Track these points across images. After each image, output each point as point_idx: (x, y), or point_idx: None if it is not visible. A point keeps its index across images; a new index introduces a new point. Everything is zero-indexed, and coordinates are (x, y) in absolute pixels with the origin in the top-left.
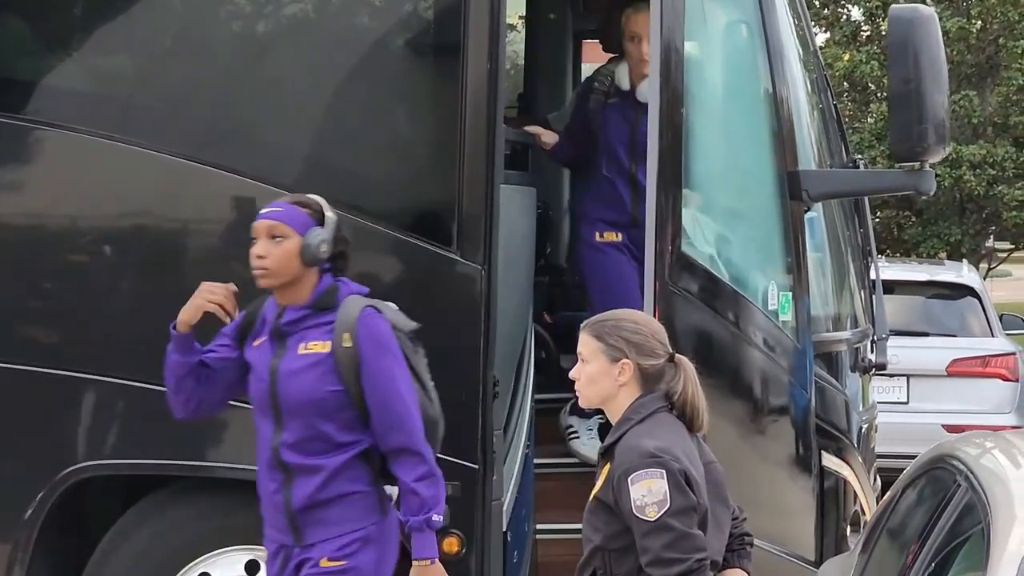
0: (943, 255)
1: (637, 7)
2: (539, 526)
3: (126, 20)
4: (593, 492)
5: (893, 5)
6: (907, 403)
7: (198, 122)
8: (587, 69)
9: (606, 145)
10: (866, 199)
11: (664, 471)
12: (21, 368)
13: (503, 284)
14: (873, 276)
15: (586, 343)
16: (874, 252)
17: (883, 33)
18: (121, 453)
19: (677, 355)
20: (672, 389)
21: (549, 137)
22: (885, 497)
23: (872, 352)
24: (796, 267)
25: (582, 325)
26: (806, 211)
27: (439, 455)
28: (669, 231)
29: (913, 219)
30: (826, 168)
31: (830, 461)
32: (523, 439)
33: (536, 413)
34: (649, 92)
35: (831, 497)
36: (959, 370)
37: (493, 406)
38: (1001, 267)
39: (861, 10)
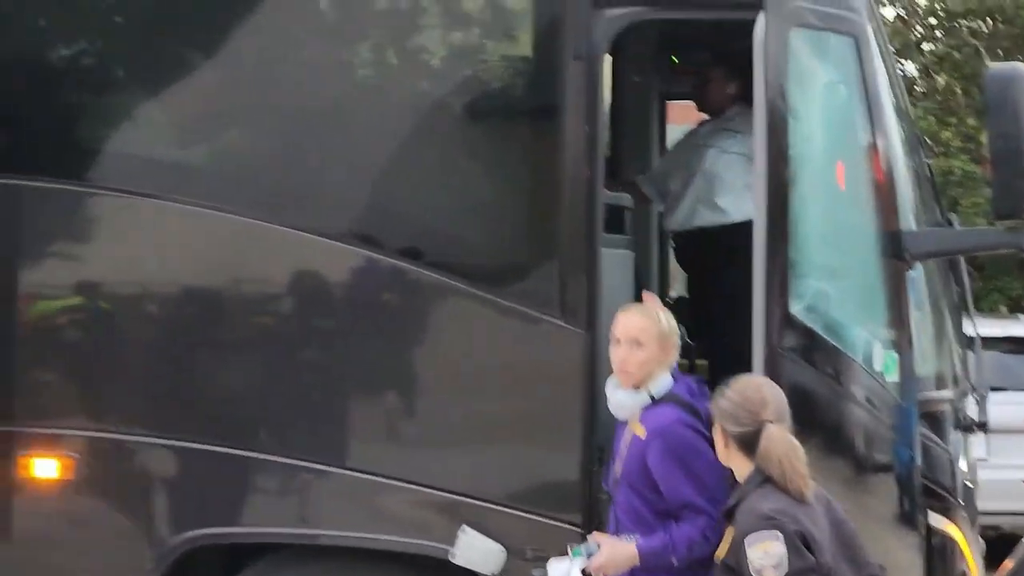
0: (1004, 309)
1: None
2: None
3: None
4: (718, 555)
5: (991, 64)
6: (987, 459)
7: (316, 192)
8: (672, 130)
9: None
10: (961, 257)
11: (780, 533)
12: (135, 439)
13: (604, 348)
14: (972, 333)
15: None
16: (971, 310)
17: (938, 88)
18: (232, 520)
19: (768, 425)
20: (761, 460)
21: None
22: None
23: (973, 410)
24: (900, 326)
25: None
26: (908, 271)
27: (543, 517)
28: (777, 292)
29: (974, 274)
30: (923, 227)
31: (936, 520)
32: None
33: None
34: (755, 153)
35: (938, 556)
36: None
37: (598, 472)
38: None
39: (916, 65)
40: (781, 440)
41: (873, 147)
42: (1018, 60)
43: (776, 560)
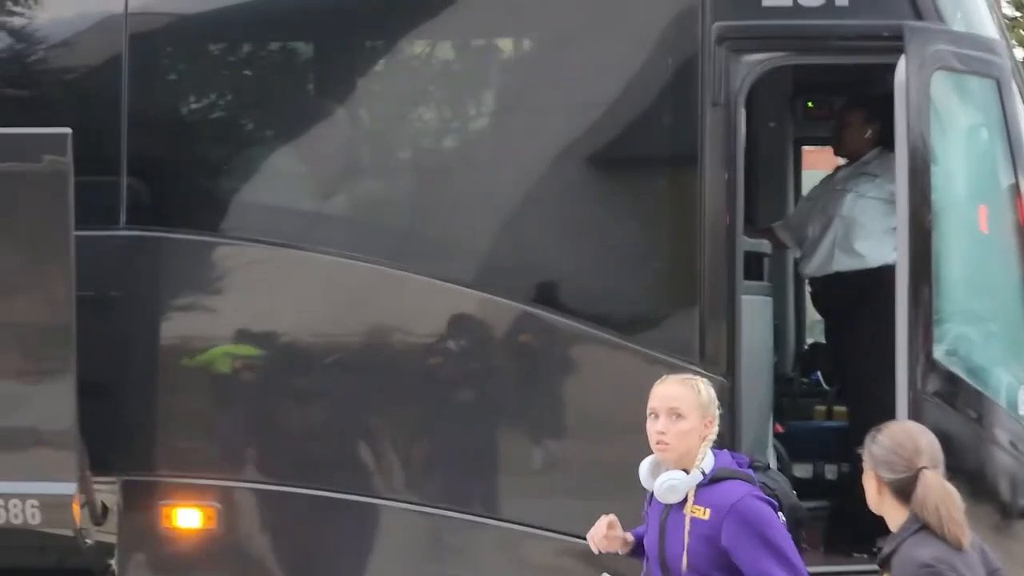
0: None
1: None
2: None
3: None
4: None
5: None
6: None
7: (467, 247)
8: (808, 176)
9: None
10: None
11: None
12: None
13: (746, 395)
14: None
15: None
16: None
17: None
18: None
19: (924, 471)
20: (917, 507)
21: None
22: None
23: None
24: None
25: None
26: None
27: None
28: (921, 337)
29: None
30: None
31: None
32: None
33: None
34: (898, 197)
35: None
36: None
37: None
38: None
39: None
40: (938, 487)
41: (1016, 190)
42: None
43: None
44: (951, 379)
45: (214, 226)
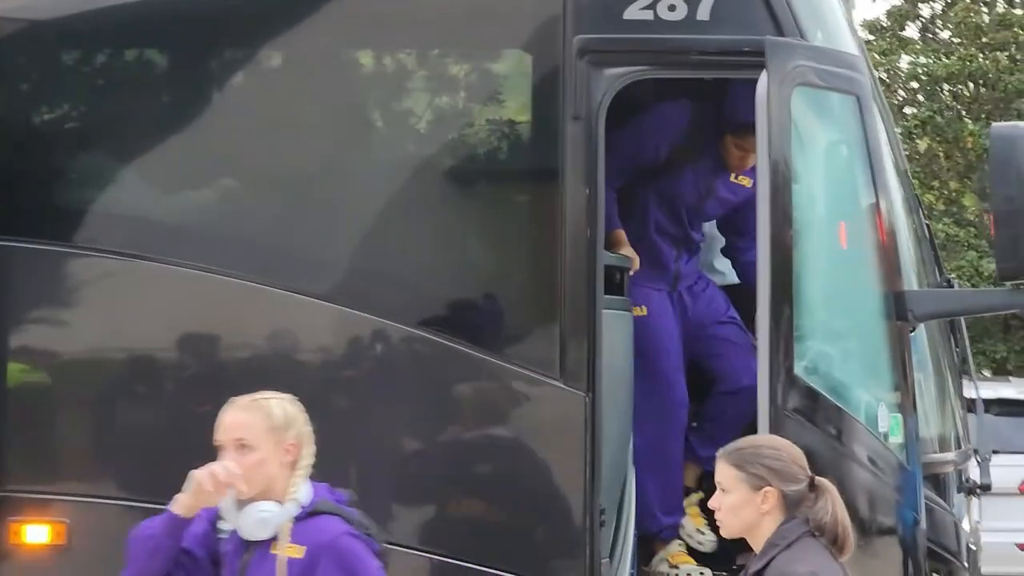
0: (988, 373)
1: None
2: None
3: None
4: None
5: (994, 124)
6: (979, 522)
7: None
8: None
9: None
10: (962, 318)
11: None
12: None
13: (606, 410)
14: (973, 395)
15: (725, 472)
16: (972, 371)
17: (920, 152)
18: None
19: (818, 478)
20: (818, 513)
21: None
22: None
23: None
24: (904, 388)
25: (718, 454)
26: (911, 331)
27: None
28: (781, 355)
29: None
30: (925, 287)
31: None
32: (628, 567)
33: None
34: (758, 215)
35: None
36: None
37: (600, 534)
38: None
39: (898, 129)
40: (836, 491)
41: (875, 207)
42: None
43: None
44: (811, 395)
45: (68, 237)
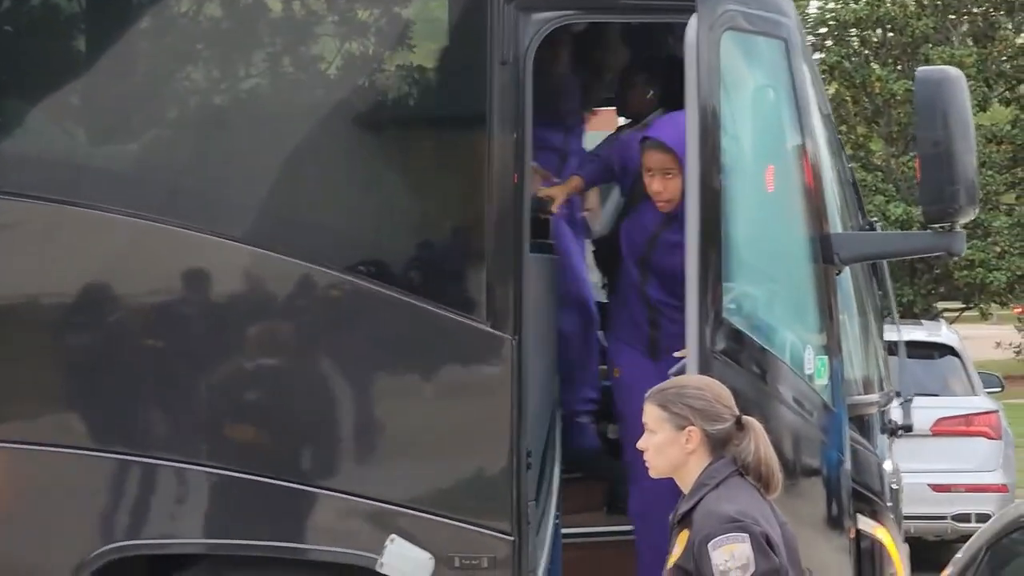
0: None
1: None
2: None
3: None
4: (671, 560)
5: (920, 67)
6: None
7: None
8: (593, 136)
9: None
10: (884, 261)
11: (747, 535)
12: (53, 449)
13: (532, 353)
14: (895, 338)
15: (650, 413)
16: (895, 314)
17: (828, 97)
18: (151, 532)
19: (745, 417)
20: (743, 452)
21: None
22: (963, 558)
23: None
24: (830, 331)
25: (646, 395)
26: (837, 274)
27: (472, 525)
28: (710, 297)
29: None
30: (849, 230)
31: (866, 523)
32: (553, 509)
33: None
34: (687, 157)
35: (867, 560)
36: (943, 429)
37: (526, 477)
38: None
39: None
40: (762, 430)
41: (802, 151)
42: (908, 69)
43: (743, 561)
44: (739, 337)
45: None
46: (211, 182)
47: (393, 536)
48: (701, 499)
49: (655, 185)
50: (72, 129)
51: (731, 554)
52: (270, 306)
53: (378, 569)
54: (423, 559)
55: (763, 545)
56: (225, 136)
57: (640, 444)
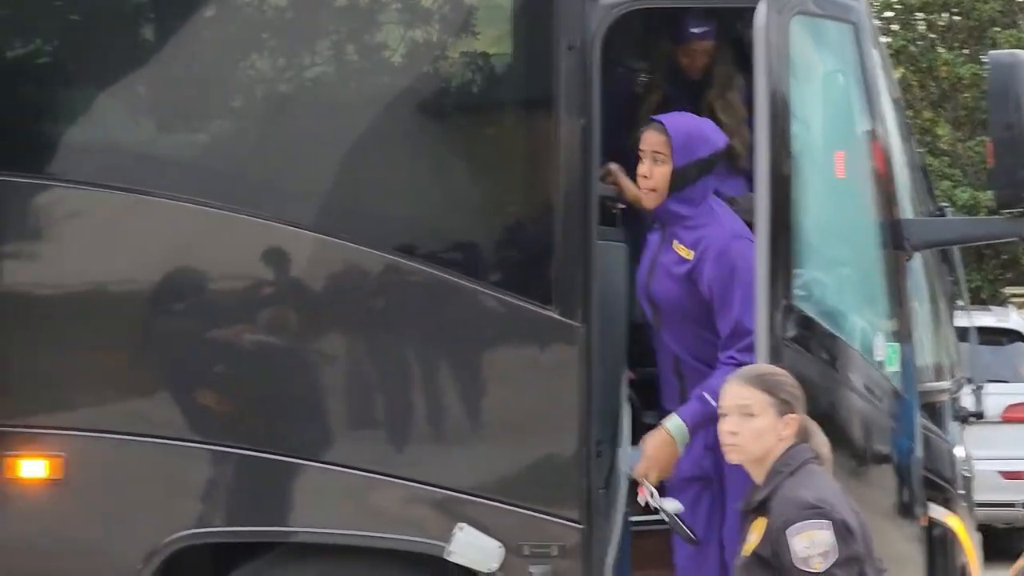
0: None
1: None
2: None
3: None
4: (748, 548)
5: (991, 51)
6: None
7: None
8: None
9: None
10: (955, 248)
11: (828, 521)
12: (126, 437)
13: (600, 341)
14: (966, 324)
15: (754, 396)
16: (966, 300)
17: None
18: (219, 520)
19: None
20: (816, 443)
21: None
22: None
23: (969, 401)
24: (901, 317)
25: (736, 377)
26: (908, 260)
27: (541, 513)
28: (780, 284)
29: None
30: (920, 216)
31: (937, 512)
32: (622, 497)
33: None
34: (757, 142)
35: (939, 548)
36: (1014, 416)
37: (596, 465)
38: None
39: None
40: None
41: (872, 136)
42: (976, 53)
43: (824, 548)
44: (809, 325)
45: (49, 169)
46: (283, 171)
47: (462, 524)
48: (778, 486)
49: (643, 168)
50: (142, 118)
51: (811, 540)
52: (343, 294)
53: (447, 557)
54: (492, 547)
55: (844, 532)
56: (295, 125)
57: (731, 427)
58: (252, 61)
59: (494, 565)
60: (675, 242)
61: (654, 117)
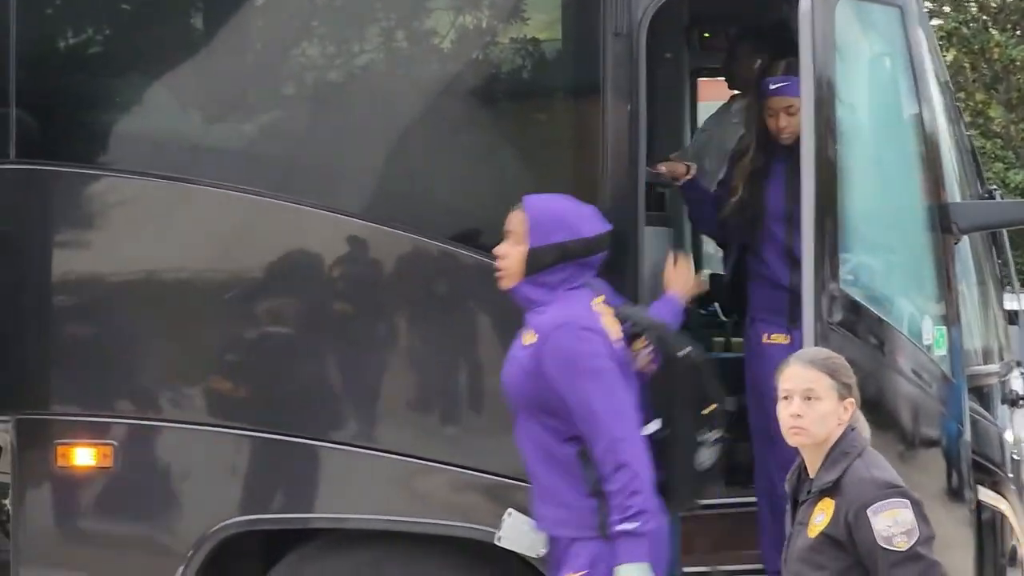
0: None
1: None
2: (685, 570)
3: None
4: (816, 529)
5: None
6: None
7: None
8: (704, 108)
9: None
10: (1004, 231)
11: (908, 500)
12: (175, 425)
13: None
14: (1016, 307)
15: (818, 380)
16: (1015, 284)
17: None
18: (268, 507)
19: None
20: (863, 428)
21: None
22: None
23: (1019, 384)
24: (949, 301)
25: (798, 359)
26: (956, 243)
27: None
28: (827, 269)
29: None
30: (968, 199)
31: (986, 495)
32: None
33: None
34: (802, 126)
35: (988, 531)
36: None
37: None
38: None
39: None
40: None
41: (919, 119)
42: None
43: (907, 527)
44: (856, 309)
45: (104, 159)
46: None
47: (511, 510)
48: (848, 468)
49: (499, 248)
50: (189, 109)
51: (894, 519)
52: (395, 283)
53: (496, 543)
54: (540, 533)
55: (923, 512)
56: (342, 112)
57: (797, 410)
58: (302, 49)
59: (542, 550)
60: (525, 328)
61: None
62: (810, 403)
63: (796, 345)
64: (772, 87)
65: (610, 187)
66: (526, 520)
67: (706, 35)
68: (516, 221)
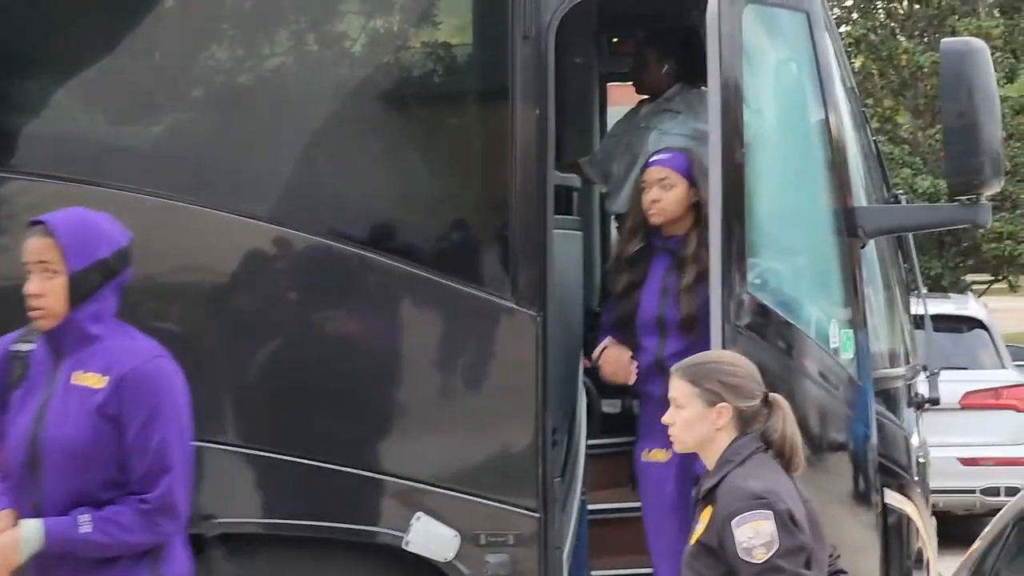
0: (924, 290)
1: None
2: (594, 573)
3: None
4: (695, 536)
5: (944, 39)
6: None
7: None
8: (614, 112)
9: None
10: (910, 234)
11: (771, 512)
12: None
13: (556, 329)
14: (921, 311)
15: (680, 388)
16: (921, 287)
17: (854, 70)
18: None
19: (772, 395)
20: (769, 430)
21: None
22: (991, 532)
23: (924, 388)
24: (856, 305)
25: (672, 369)
26: (862, 247)
27: (498, 503)
28: (734, 272)
29: None
30: (874, 204)
31: (892, 498)
32: (579, 486)
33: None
34: (709, 131)
35: (895, 534)
36: (972, 403)
37: (552, 453)
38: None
39: None
40: (788, 407)
41: (825, 124)
42: (934, 41)
43: (767, 538)
44: (763, 312)
45: (11, 162)
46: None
47: (419, 514)
48: (725, 476)
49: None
50: (94, 110)
51: (755, 531)
52: (300, 287)
53: (404, 547)
54: (448, 536)
55: (787, 522)
56: (250, 117)
57: (666, 419)
58: (211, 50)
59: (450, 555)
60: (79, 371)
61: (34, 220)
62: (677, 411)
63: (674, 462)
64: (651, 160)
65: (519, 190)
66: (435, 524)
67: (615, 40)
68: (42, 249)
